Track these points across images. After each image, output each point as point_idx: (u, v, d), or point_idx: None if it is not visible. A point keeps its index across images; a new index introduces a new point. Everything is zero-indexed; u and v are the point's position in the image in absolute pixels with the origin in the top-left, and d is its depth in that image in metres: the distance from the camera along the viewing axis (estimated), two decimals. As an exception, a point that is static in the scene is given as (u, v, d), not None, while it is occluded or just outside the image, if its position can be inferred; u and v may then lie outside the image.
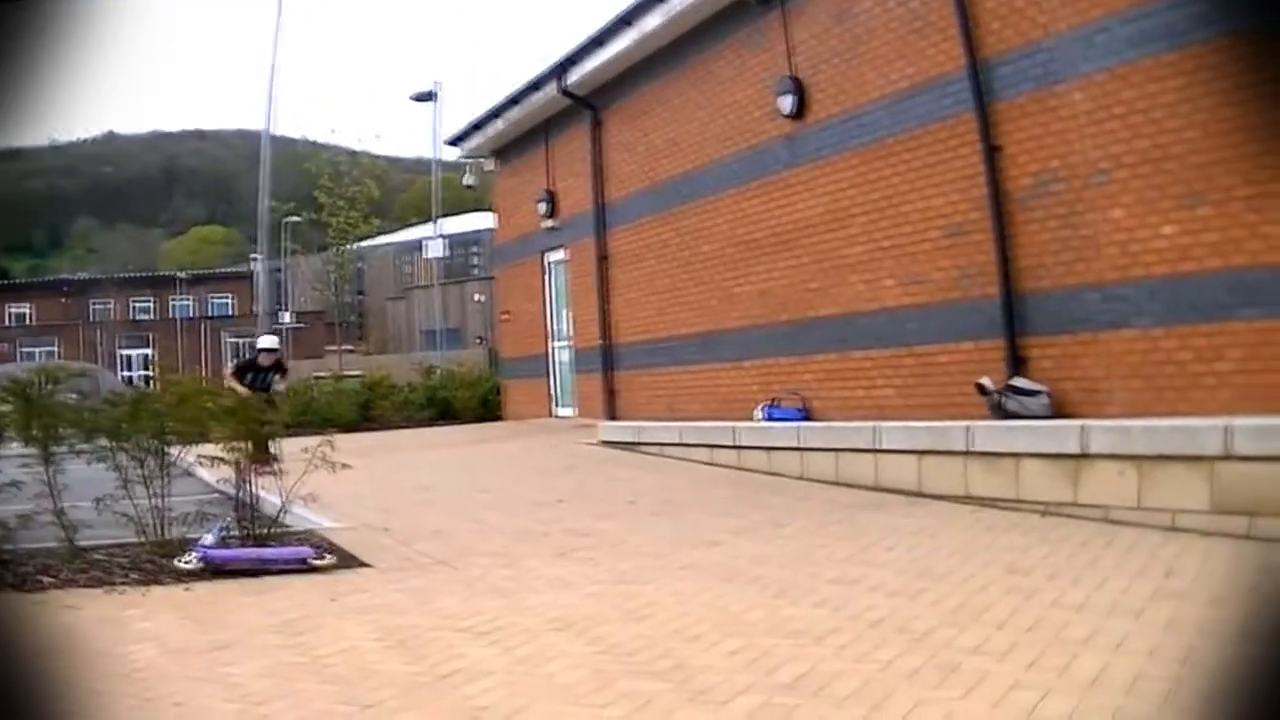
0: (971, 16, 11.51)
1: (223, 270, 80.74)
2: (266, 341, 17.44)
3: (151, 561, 7.96)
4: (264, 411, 14.69)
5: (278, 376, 16.57)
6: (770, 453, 12.07)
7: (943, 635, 5.24)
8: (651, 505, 10.28)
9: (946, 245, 12.07)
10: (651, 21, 17.00)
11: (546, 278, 22.75)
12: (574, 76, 19.66)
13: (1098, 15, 10.12)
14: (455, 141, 25.95)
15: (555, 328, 22.53)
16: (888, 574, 6.72)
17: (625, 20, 17.61)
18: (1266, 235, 8.89)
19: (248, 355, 19.20)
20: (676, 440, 13.97)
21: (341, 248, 40.03)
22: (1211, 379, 9.30)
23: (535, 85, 20.99)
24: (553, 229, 22.00)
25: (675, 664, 5.03)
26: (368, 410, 25.01)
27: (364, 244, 50.15)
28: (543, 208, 22.07)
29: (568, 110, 20.81)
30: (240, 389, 15.11)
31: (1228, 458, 7.36)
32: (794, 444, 11.71)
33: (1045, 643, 4.99)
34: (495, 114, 23.01)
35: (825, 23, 13.85)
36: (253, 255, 53.74)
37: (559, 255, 22.07)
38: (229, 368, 17.64)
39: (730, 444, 12.79)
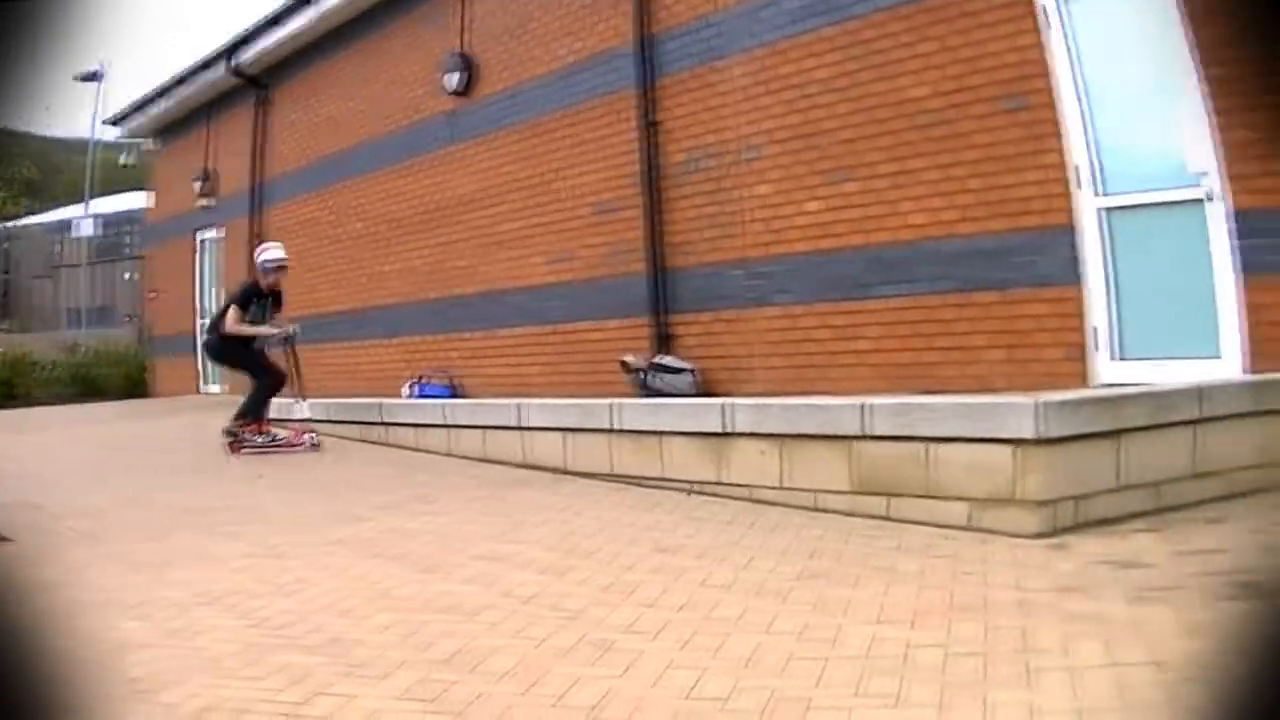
0: (648, -10, 11.03)
1: None
2: (275, 252, 11.84)
3: None
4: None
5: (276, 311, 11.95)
6: (418, 430, 11.19)
7: (595, 613, 4.89)
8: (299, 480, 9.54)
9: (597, 222, 11.56)
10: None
11: (199, 256, 21.31)
12: (246, 55, 18.39)
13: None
14: (117, 121, 24.18)
15: (206, 305, 21.09)
16: (537, 551, 6.27)
17: (306, -1, 16.49)
18: (906, 212, 8.66)
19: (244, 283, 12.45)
20: (325, 417, 12.87)
21: (-14, 227, 36.85)
22: (850, 357, 9.04)
23: (205, 64, 19.59)
24: (208, 207, 20.58)
25: (329, 638, 4.71)
26: (11, 388, 23.30)
27: (14, 224, 46.57)
28: (199, 186, 20.67)
29: (237, 89, 19.43)
30: (257, 329, 11.49)
31: (865, 437, 6.82)
32: (441, 421, 10.86)
33: (697, 622, 4.63)
34: (161, 93, 21.47)
35: (504, -2, 13.17)
36: (-106, 236, 49.13)
37: (213, 234, 20.71)
38: (230, 311, 11.55)
39: (379, 420, 11.84)
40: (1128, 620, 4.03)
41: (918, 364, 8.51)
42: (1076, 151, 7.66)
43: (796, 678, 3.88)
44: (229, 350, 11.73)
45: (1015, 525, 5.87)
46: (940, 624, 4.34)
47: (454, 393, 13.19)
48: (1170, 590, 4.36)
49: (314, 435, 11.38)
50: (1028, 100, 7.87)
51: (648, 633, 4.55)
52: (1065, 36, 7.75)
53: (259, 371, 11.63)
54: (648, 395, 9.81)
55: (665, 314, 10.65)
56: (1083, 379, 7.62)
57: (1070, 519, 5.85)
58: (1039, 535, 5.74)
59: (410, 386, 13.58)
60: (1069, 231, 7.69)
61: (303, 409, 11.57)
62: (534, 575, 5.65)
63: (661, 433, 8.31)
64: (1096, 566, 4.91)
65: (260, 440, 11.37)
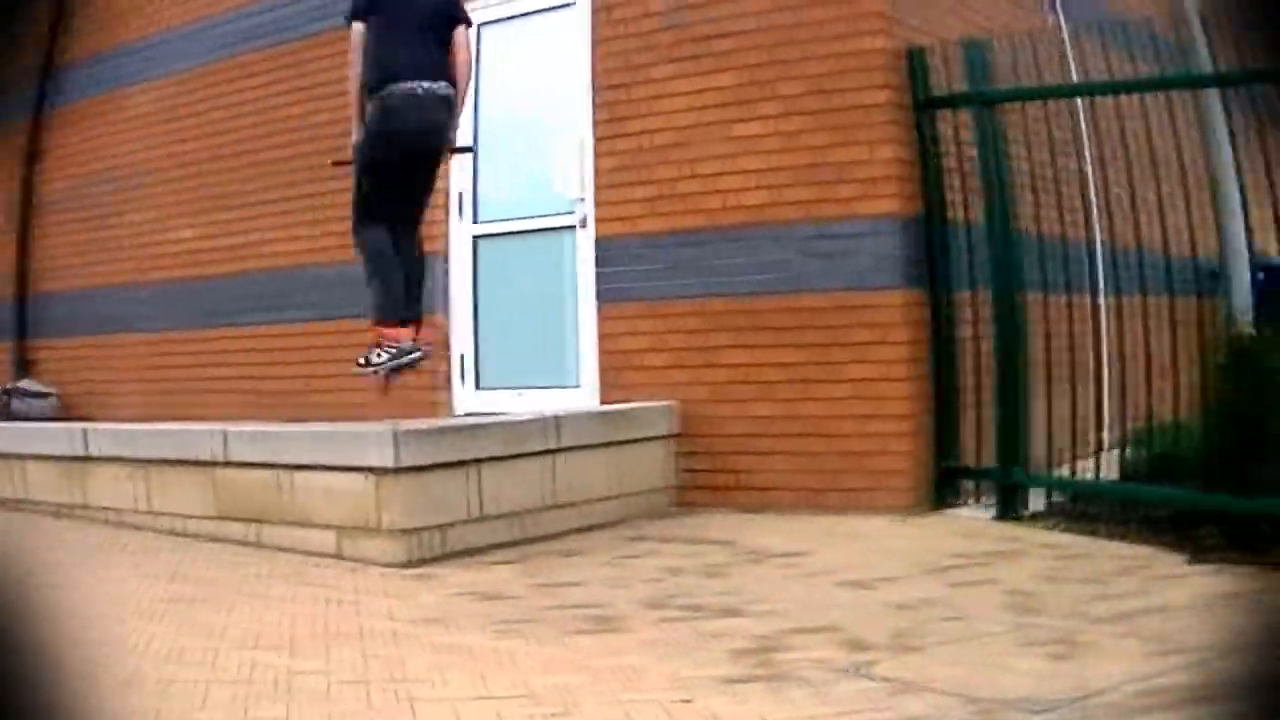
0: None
1: None
2: None
3: None
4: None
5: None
6: None
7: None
8: None
9: (-38, 251, 10.47)
10: None
11: None
12: None
13: (200, 16, 8.90)
14: None
15: None
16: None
17: None
18: (279, 240, 8.04)
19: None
20: None
21: None
22: (218, 383, 8.39)
23: None
24: None
25: None
26: None
27: None
28: None
29: None
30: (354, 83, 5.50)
31: (226, 464, 6.18)
32: None
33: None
34: None
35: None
36: None
37: None
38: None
39: None
40: (493, 653, 3.89)
41: (287, 391, 7.81)
42: (459, 179, 7.15)
43: (179, 700, 3.61)
44: None
45: (382, 554, 5.47)
46: (319, 651, 4.09)
47: None
48: (529, 623, 4.24)
49: (428, 347, 5.93)
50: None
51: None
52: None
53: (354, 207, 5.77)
54: (7, 419, 9.11)
55: (29, 339, 9.84)
56: (449, 408, 7.14)
57: (436, 549, 5.50)
58: (406, 564, 5.38)
59: None
60: (443, 260, 7.17)
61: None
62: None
63: (23, 456, 7.50)
64: (460, 598, 4.74)
65: (381, 359, 5.63)
